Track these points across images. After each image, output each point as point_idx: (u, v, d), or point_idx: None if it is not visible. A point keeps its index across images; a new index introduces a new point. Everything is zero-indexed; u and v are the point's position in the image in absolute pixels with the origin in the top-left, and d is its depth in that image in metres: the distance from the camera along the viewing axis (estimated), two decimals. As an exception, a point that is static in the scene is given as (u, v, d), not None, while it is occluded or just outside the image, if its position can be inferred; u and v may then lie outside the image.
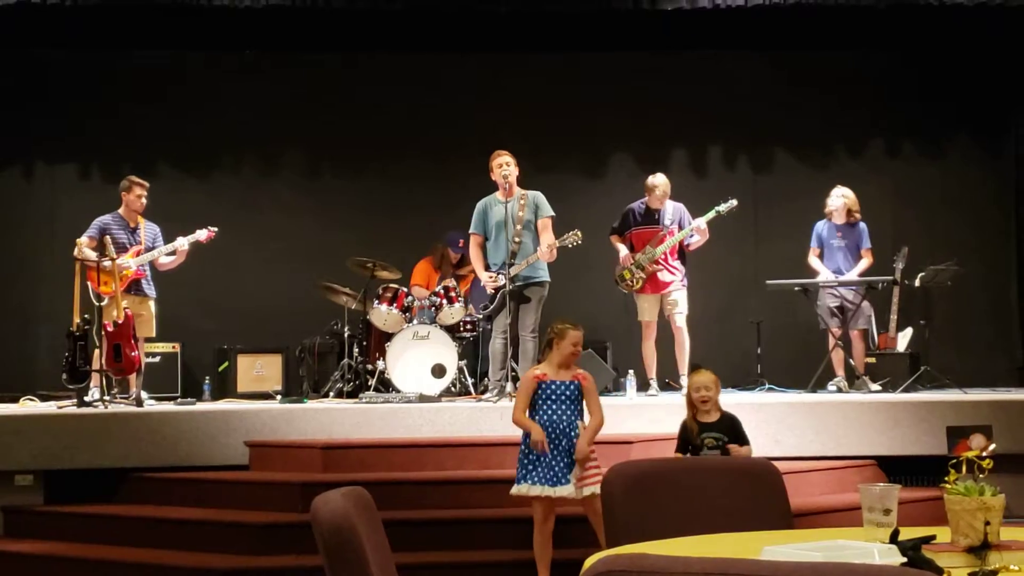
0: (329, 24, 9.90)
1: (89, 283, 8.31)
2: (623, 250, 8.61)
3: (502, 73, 10.55)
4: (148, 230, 8.68)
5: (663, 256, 8.49)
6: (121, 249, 8.42)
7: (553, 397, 5.50)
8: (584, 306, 9.34)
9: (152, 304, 8.65)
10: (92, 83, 10.42)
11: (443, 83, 10.54)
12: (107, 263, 8.16)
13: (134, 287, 8.49)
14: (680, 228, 8.54)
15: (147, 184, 8.67)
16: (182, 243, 8.58)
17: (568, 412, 5.50)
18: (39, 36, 10.00)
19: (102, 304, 8.16)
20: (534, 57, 10.48)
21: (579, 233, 8.03)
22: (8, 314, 10.24)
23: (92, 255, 8.30)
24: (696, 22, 9.62)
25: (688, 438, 5.61)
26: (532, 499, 5.52)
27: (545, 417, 5.49)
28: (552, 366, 5.58)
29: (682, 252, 8.64)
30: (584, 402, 5.58)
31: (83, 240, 8.42)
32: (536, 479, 5.45)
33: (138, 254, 8.50)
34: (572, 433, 5.48)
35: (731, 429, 5.64)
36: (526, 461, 5.51)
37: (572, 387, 5.54)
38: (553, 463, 5.44)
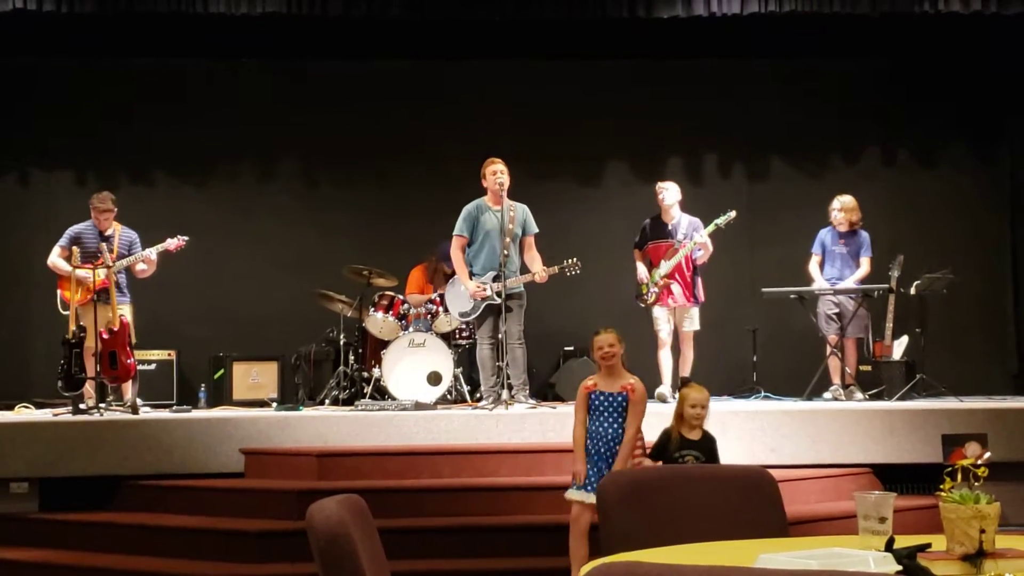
0: (325, 31, 9.90)
1: (59, 291, 8.30)
2: (640, 266, 8.81)
3: (497, 81, 10.55)
4: (124, 236, 8.59)
5: (676, 270, 8.62)
6: (92, 257, 8.36)
7: (600, 408, 5.55)
8: (581, 314, 9.36)
9: (127, 310, 8.47)
10: (88, 90, 10.41)
11: (438, 91, 10.53)
12: (81, 273, 8.14)
13: (103, 295, 8.32)
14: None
15: (111, 208, 8.47)
16: (149, 252, 8.50)
17: (614, 424, 5.52)
18: (35, 44, 9.98)
19: (67, 313, 8.11)
20: (529, 64, 10.48)
21: (579, 263, 8.13)
22: (3, 321, 10.22)
23: (64, 265, 8.27)
24: (692, 30, 9.61)
25: (667, 449, 5.60)
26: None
27: (594, 427, 5.56)
28: (600, 375, 5.64)
29: (694, 268, 8.78)
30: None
31: (55, 250, 8.39)
32: (584, 486, 5.52)
33: (101, 264, 8.35)
34: (617, 445, 5.50)
35: (709, 450, 5.62)
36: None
37: (619, 398, 5.55)
38: (600, 472, 5.46)
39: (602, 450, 5.52)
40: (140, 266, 8.53)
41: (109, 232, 8.51)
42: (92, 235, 8.49)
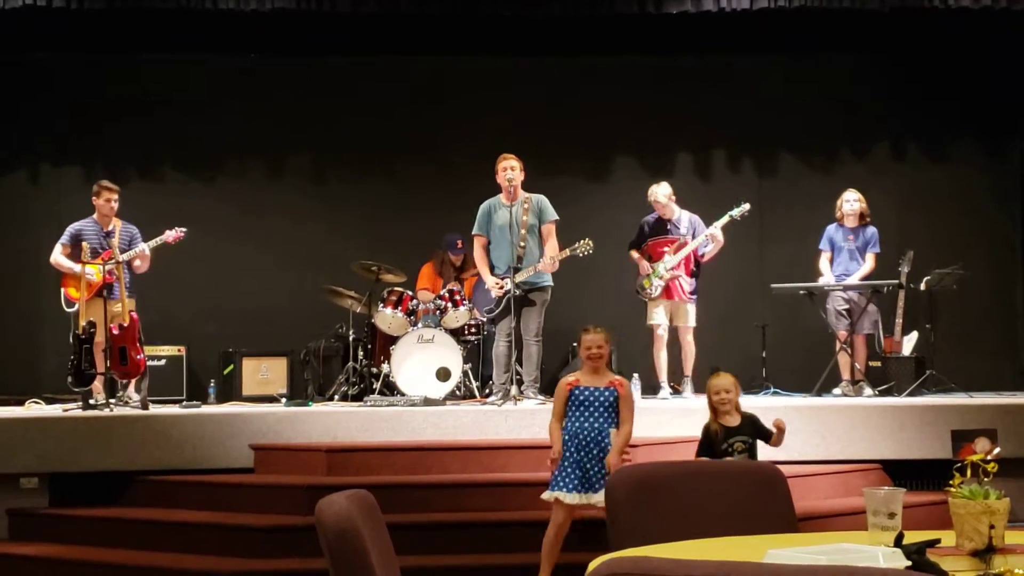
0: (334, 28, 9.91)
1: (63, 289, 8.31)
2: (643, 262, 8.73)
3: (506, 77, 10.54)
4: (124, 232, 8.58)
5: (678, 265, 8.60)
6: (94, 254, 8.34)
7: (585, 404, 5.45)
8: (588, 311, 9.32)
9: (131, 305, 8.50)
10: (98, 86, 10.43)
11: (448, 86, 10.53)
12: (87, 270, 8.14)
13: (106, 290, 8.37)
14: (695, 238, 8.65)
15: (117, 188, 8.58)
16: (143, 248, 8.47)
17: (600, 419, 5.43)
18: (45, 40, 10.01)
19: (71, 311, 8.12)
20: (539, 61, 10.48)
21: (590, 242, 8.12)
22: (13, 317, 10.25)
23: (66, 262, 8.28)
24: (701, 25, 9.60)
25: (713, 443, 5.55)
26: (555, 503, 5.49)
27: (576, 424, 5.45)
28: (584, 372, 5.56)
29: (697, 264, 8.76)
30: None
31: (56, 248, 8.40)
32: (569, 486, 5.42)
33: (108, 258, 8.38)
34: (604, 440, 5.41)
35: (753, 429, 5.61)
36: (560, 467, 5.48)
37: (606, 393, 5.45)
38: (586, 470, 5.41)
39: (586, 447, 5.41)
40: (136, 262, 8.53)
41: (110, 228, 8.52)
42: (94, 231, 8.50)
